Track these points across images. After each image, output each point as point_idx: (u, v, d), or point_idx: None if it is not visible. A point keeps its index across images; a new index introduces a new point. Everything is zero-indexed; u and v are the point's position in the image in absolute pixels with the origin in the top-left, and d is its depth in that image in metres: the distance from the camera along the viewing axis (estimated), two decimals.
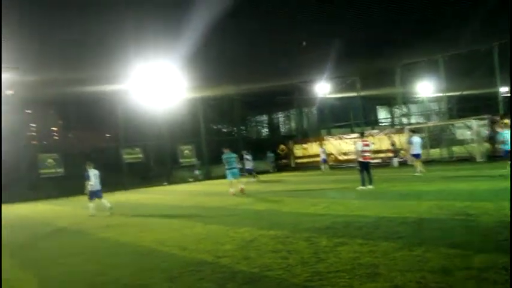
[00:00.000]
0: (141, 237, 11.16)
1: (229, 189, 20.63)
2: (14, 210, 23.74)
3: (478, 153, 27.90)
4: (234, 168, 20.97)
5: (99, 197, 17.92)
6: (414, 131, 24.95)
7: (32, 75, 24.49)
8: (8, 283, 7.68)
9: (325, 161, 34.05)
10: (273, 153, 40.54)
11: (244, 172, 29.93)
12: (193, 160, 39.20)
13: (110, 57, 22.95)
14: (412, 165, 24.06)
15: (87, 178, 17.69)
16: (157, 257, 8.72)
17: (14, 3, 15.01)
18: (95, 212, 17.50)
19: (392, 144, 32.58)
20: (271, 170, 39.80)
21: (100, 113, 36.23)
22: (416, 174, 21.70)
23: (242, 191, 20.54)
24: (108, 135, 40.13)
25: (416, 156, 22.47)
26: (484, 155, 28.03)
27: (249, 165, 30.57)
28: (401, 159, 31.85)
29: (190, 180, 37.55)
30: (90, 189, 17.65)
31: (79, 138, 36.69)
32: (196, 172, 38.46)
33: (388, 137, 33.11)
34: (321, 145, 34.76)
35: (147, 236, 11.24)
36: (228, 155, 21.14)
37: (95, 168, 17.97)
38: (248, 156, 30.70)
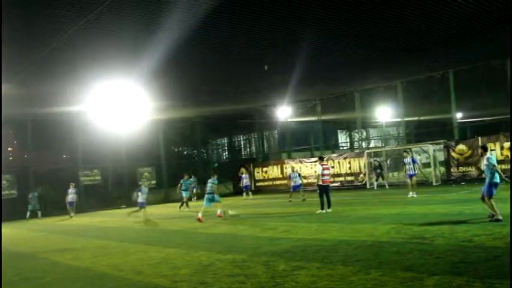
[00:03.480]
0: (96, 262, 10.87)
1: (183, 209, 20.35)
2: None
3: (434, 178, 28.43)
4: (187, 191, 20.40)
5: None
6: (406, 151, 23.74)
7: None
8: None
9: (247, 188, 32.15)
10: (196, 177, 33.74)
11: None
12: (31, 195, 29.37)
13: (68, 76, 22.56)
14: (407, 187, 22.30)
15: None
16: (112, 282, 8.49)
17: None
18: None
19: (376, 167, 31.07)
20: (193, 198, 32.56)
21: (58, 134, 35.56)
22: (412, 195, 20.94)
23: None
24: (65, 156, 39.33)
25: (410, 176, 21.38)
26: (440, 179, 28.61)
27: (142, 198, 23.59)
28: (359, 183, 32.20)
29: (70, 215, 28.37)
30: None
31: (35, 159, 35.79)
32: (31, 207, 29.20)
33: (367, 158, 32.12)
34: (292, 169, 28.57)
35: (102, 260, 10.95)
36: (187, 180, 20.63)
37: None
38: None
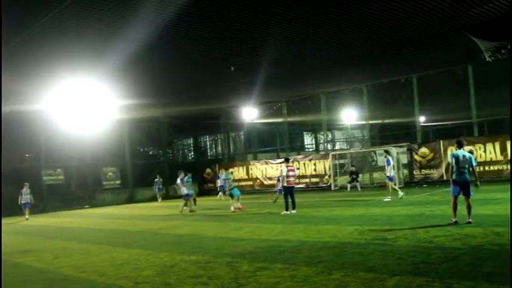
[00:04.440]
0: (57, 263, 10.68)
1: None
2: None
3: (397, 180, 28.80)
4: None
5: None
6: (387, 151, 22.23)
7: None
8: None
9: (222, 188, 30.47)
10: (162, 177, 36.64)
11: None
12: None
13: (32, 72, 22.10)
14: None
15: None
16: (74, 284, 8.38)
17: None
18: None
19: (352, 172, 29.56)
20: (158, 198, 35.79)
21: (19, 132, 34.72)
22: (398, 197, 20.08)
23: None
24: (28, 155, 38.40)
25: (390, 178, 20.56)
26: (403, 181, 29.06)
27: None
28: (324, 185, 32.45)
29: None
30: None
31: None
32: None
33: (332, 159, 32.15)
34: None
35: (64, 262, 10.78)
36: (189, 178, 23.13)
37: None
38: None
